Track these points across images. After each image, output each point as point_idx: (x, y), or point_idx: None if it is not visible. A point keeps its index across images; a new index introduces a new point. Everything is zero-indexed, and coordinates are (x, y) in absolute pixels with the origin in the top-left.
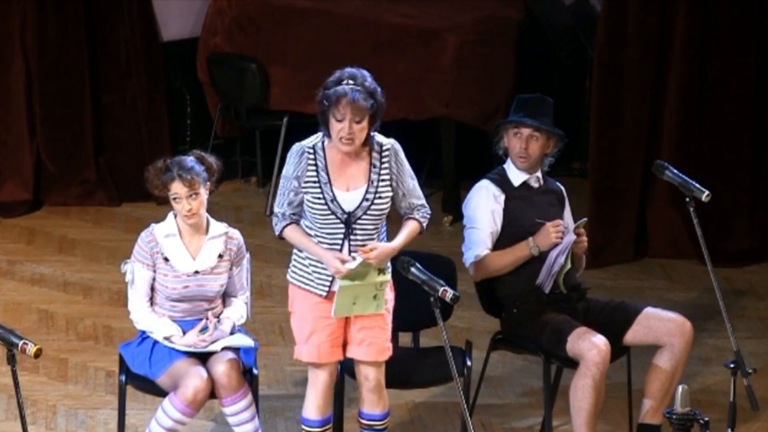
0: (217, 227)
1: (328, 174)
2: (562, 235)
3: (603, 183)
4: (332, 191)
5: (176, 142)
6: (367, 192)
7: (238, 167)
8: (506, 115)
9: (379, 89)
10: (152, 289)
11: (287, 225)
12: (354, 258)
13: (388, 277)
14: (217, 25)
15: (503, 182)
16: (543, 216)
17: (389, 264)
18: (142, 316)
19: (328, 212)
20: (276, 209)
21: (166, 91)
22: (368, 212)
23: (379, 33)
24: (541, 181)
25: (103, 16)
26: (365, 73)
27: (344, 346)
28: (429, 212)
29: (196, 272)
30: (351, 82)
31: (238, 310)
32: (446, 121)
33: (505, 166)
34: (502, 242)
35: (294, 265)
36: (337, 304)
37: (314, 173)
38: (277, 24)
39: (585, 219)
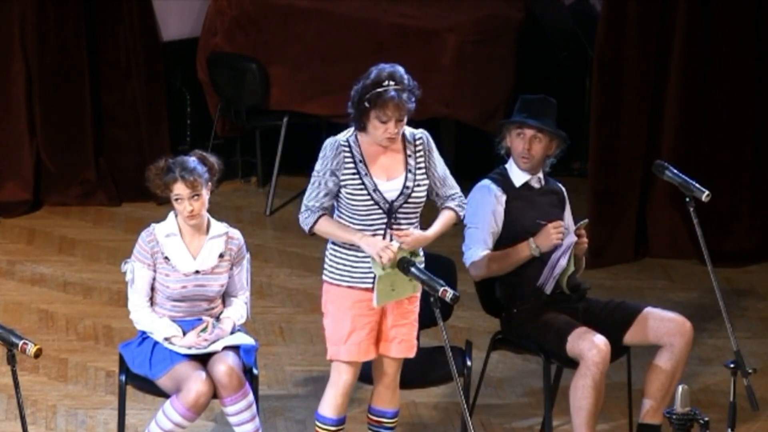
0: (218, 227)
1: (366, 165)
2: (562, 236)
3: (603, 183)
4: (373, 181)
5: (176, 142)
6: (406, 180)
7: (238, 167)
8: (508, 115)
9: (415, 83)
10: (152, 288)
11: (320, 217)
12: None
13: (421, 257)
14: (217, 25)
15: (504, 182)
16: (544, 216)
17: (420, 250)
18: (142, 316)
19: (371, 203)
20: (306, 204)
21: (166, 91)
22: (408, 201)
23: (379, 33)
24: (543, 182)
25: (103, 16)
26: (401, 69)
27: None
28: (465, 201)
29: (197, 272)
30: (392, 83)
31: (238, 310)
32: (446, 121)
33: (506, 166)
34: (502, 242)
35: (330, 264)
36: (378, 294)
37: (352, 166)
38: (277, 24)
39: (586, 220)
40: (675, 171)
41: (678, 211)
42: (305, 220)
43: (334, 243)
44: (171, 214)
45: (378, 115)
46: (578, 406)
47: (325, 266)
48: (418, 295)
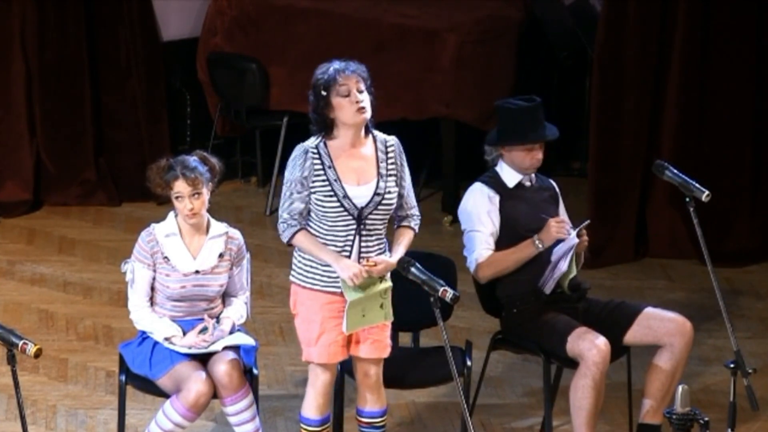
0: (218, 227)
1: (335, 171)
2: (564, 230)
3: (603, 183)
4: (343, 187)
5: (176, 142)
6: (377, 186)
7: (238, 167)
8: (499, 121)
9: (362, 65)
10: (152, 288)
11: (297, 231)
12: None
13: (390, 283)
14: (217, 25)
15: (496, 183)
16: (540, 212)
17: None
18: (142, 316)
19: (341, 209)
20: (283, 215)
21: (166, 91)
22: (379, 207)
23: (379, 33)
24: (533, 179)
25: (103, 16)
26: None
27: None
28: (419, 216)
29: (197, 272)
30: (336, 63)
31: (238, 310)
32: (446, 121)
33: (497, 168)
34: (501, 242)
35: (297, 266)
36: (348, 320)
37: (321, 172)
38: (277, 24)
39: (587, 221)
40: (675, 171)
41: (678, 211)
42: (283, 233)
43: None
44: (171, 215)
45: (338, 90)
46: (578, 406)
47: (294, 268)
48: (388, 324)
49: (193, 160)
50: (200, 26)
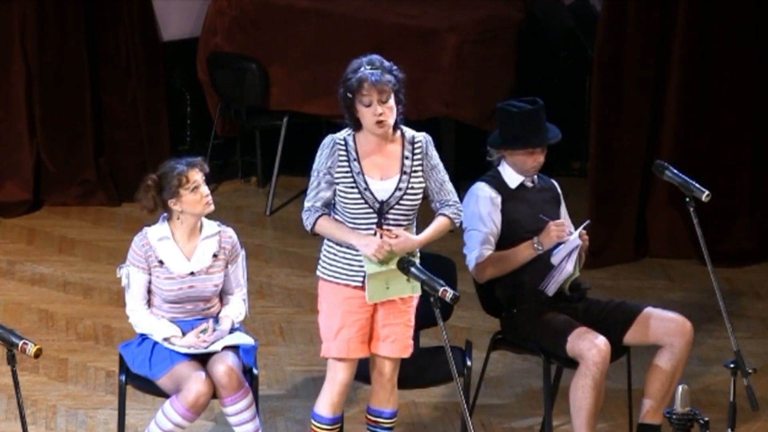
0: (210, 227)
1: (360, 164)
2: (564, 234)
3: (603, 183)
4: (365, 180)
5: (176, 142)
6: (399, 181)
7: (238, 167)
8: (501, 124)
9: (395, 66)
10: (149, 291)
11: (319, 216)
12: None
13: (418, 258)
14: (217, 25)
15: (498, 184)
16: (541, 213)
17: (416, 252)
18: (141, 318)
19: (361, 201)
20: (307, 204)
21: (166, 91)
22: (401, 202)
23: (379, 33)
24: (535, 180)
25: (103, 16)
26: (379, 56)
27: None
28: (461, 208)
29: (192, 273)
30: (368, 66)
31: (236, 308)
32: (446, 121)
33: (499, 168)
34: (502, 242)
35: (324, 260)
36: (370, 289)
37: (346, 163)
38: (277, 24)
39: (588, 221)
40: (675, 171)
41: (678, 211)
42: (306, 221)
43: (329, 239)
44: (162, 219)
45: (360, 99)
46: (578, 406)
47: (320, 262)
48: (415, 296)
49: (181, 158)
50: (200, 26)
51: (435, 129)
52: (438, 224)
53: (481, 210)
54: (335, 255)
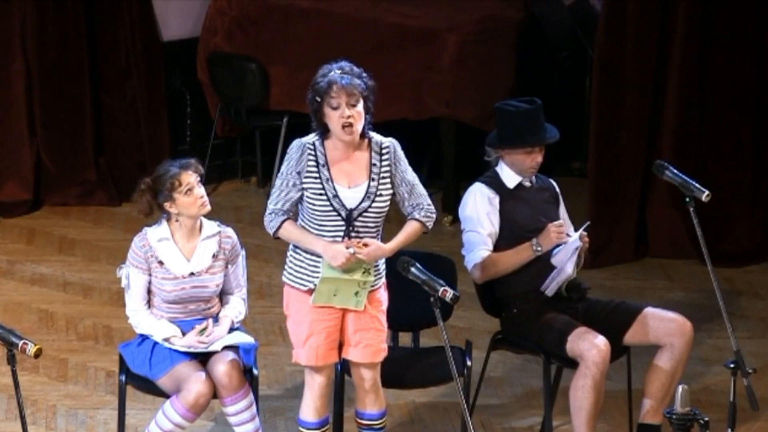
0: (210, 227)
1: (329, 170)
2: (563, 235)
3: (603, 183)
4: (334, 187)
5: (176, 142)
6: (368, 189)
7: (238, 167)
8: (499, 123)
9: (366, 74)
10: (149, 291)
11: (284, 221)
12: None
13: (372, 279)
14: (217, 25)
15: (496, 184)
16: (539, 214)
17: (380, 265)
18: (141, 319)
19: (330, 209)
20: (271, 207)
21: (166, 91)
22: (369, 210)
23: (379, 33)
24: (534, 179)
25: (103, 16)
26: (349, 63)
27: (340, 347)
28: (433, 210)
29: (192, 274)
30: (338, 71)
31: (236, 308)
32: (446, 121)
33: (497, 168)
34: (501, 243)
35: (290, 266)
36: (317, 292)
37: (315, 169)
38: (277, 24)
39: (588, 223)
40: (675, 171)
41: (678, 211)
42: (269, 224)
43: (295, 246)
44: (162, 220)
45: (329, 102)
46: (578, 406)
47: (286, 268)
48: (384, 302)
49: (175, 160)
50: (200, 26)
51: (435, 129)
52: (409, 229)
53: (479, 211)
54: (301, 261)
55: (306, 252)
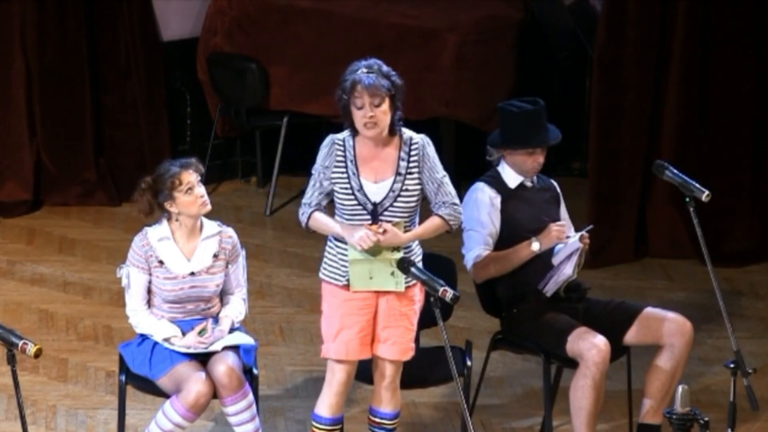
0: (211, 227)
1: (356, 165)
2: (563, 235)
3: (603, 183)
4: (359, 181)
5: (176, 142)
6: (394, 183)
7: (238, 167)
8: (501, 124)
9: (393, 72)
10: (149, 291)
11: (313, 212)
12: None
13: (402, 254)
14: (217, 25)
15: (498, 184)
16: (540, 214)
17: (414, 246)
18: (141, 319)
19: (355, 202)
20: (304, 201)
21: (166, 91)
22: (395, 204)
23: (379, 33)
24: (535, 180)
25: (103, 16)
26: (378, 61)
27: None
28: (460, 211)
29: (192, 273)
30: (365, 70)
31: (236, 308)
32: (446, 121)
33: (499, 168)
34: (502, 242)
35: (325, 261)
36: (352, 275)
37: (342, 164)
38: (277, 24)
39: (591, 226)
40: (675, 171)
41: (678, 211)
42: (302, 216)
43: (330, 240)
44: (163, 220)
45: (353, 102)
46: (578, 406)
47: (322, 263)
48: (418, 301)
49: (175, 159)
50: (200, 26)
51: (435, 129)
52: (429, 223)
53: (480, 210)
54: (335, 256)
55: (339, 247)
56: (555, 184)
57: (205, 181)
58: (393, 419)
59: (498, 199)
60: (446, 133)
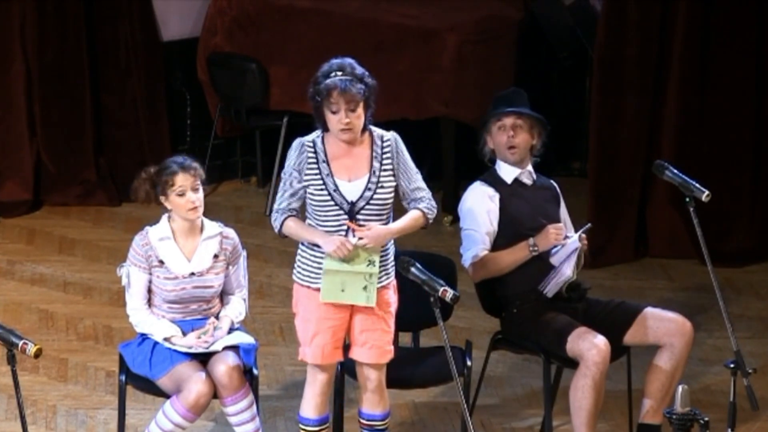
0: (212, 227)
1: (329, 165)
2: (561, 237)
3: (603, 183)
4: (334, 182)
5: (176, 142)
6: (369, 182)
7: (238, 167)
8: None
9: (367, 73)
10: (149, 291)
11: (286, 218)
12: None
13: (377, 270)
14: (217, 25)
15: (496, 182)
16: (539, 212)
17: (389, 259)
18: (141, 318)
19: (331, 203)
20: (275, 207)
21: (166, 91)
22: (371, 202)
23: (379, 33)
24: (534, 177)
25: (103, 16)
26: (351, 61)
27: (345, 347)
28: (434, 205)
29: (192, 274)
30: (339, 73)
31: (236, 308)
32: (446, 121)
33: (494, 167)
34: (500, 241)
35: (299, 264)
36: (324, 286)
37: (315, 165)
38: (277, 24)
39: (589, 225)
40: (675, 171)
41: (678, 211)
42: (274, 223)
43: (302, 244)
44: (164, 218)
45: (328, 106)
46: (578, 406)
47: (295, 266)
48: (393, 303)
49: (182, 156)
50: (200, 26)
51: (435, 129)
52: (411, 216)
53: (479, 209)
54: (309, 259)
55: (313, 250)
56: (555, 184)
57: (206, 181)
58: (383, 420)
59: (497, 197)
60: (446, 133)
